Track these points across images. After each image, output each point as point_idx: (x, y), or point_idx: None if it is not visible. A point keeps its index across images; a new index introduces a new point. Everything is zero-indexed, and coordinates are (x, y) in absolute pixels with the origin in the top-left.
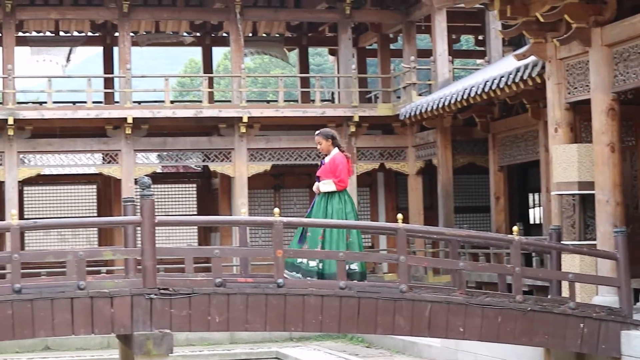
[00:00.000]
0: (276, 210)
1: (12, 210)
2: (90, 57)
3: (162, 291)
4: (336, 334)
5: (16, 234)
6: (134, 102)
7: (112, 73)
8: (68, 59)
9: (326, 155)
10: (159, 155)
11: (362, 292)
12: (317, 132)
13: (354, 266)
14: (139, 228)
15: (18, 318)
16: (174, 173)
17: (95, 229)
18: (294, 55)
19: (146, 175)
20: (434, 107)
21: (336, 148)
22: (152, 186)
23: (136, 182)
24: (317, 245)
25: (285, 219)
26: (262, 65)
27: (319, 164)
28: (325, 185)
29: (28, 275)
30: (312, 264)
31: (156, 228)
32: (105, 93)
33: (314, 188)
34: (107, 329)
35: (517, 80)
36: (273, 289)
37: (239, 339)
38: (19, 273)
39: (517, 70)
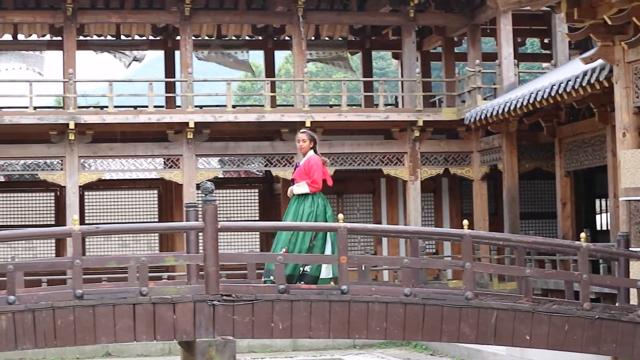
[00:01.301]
0: (340, 215)
1: (74, 215)
2: (151, 60)
3: (224, 297)
4: (400, 342)
5: (78, 240)
6: (196, 106)
7: (174, 77)
8: (134, 60)
9: (303, 156)
10: (220, 160)
11: (427, 299)
12: (303, 130)
13: (307, 268)
14: (201, 233)
15: (80, 324)
16: (235, 178)
17: (157, 234)
18: (356, 59)
19: (208, 180)
20: (499, 112)
21: (312, 151)
22: (214, 191)
23: (198, 187)
24: (285, 245)
25: (349, 225)
26: (325, 68)
27: (295, 166)
28: (298, 187)
29: (89, 281)
30: (307, 267)
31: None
32: (166, 97)
33: (288, 192)
34: (169, 335)
35: (584, 84)
36: (337, 296)
37: (301, 346)
38: (81, 278)
39: (584, 73)
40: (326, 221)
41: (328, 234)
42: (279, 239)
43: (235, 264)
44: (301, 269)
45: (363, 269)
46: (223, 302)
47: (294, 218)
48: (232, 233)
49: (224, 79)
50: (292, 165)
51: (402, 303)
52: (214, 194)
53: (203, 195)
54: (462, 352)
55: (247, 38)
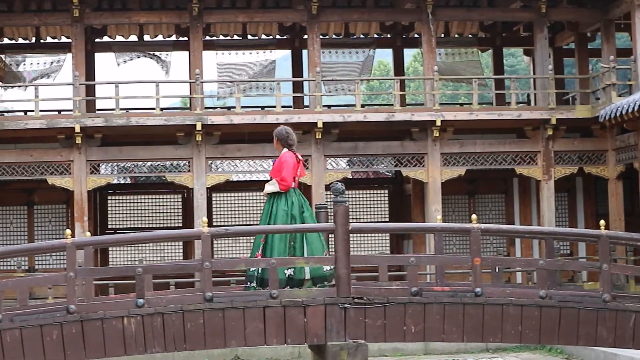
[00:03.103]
0: (474, 216)
1: (203, 217)
2: (277, 60)
3: (356, 300)
4: (534, 345)
5: (207, 242)
6: (324, 106)
7: (301, 76)
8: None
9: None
10: (349, 160)
11: (563, 302)
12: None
13: (290, 272)
14: (331, 235)
15: (209, 327)
16: (364, 179)
17: None
18: (486, 56)
19: (337, 181)
20: (635, 109)
21: (285, 148)
22: (345, 192)
23: (327, 188)
24: (258, 249)
25: (482, 226)
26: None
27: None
28: (269, 185)
29: (218, 284)
30: (252, 268)
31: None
32: (294, 97)
33: (264, 191)
34: (300, 339)
35: None
36: (471, 298)
37: (433, 349)
38: (211, 281)
39: None
40: (303, 221)
41: (305, 233)
42: (255, 243)
43: (363, 266)
44: (286, 272)
45: (497, 270)
46: (355, 305)
47: (267, 218)
48: (362, 235)
49: (353, 78)
50: (423, 166)
51: (537, 306)
52: (345, 195)
53: (334, 196)
54: (599, 355)
55: (375, 36)
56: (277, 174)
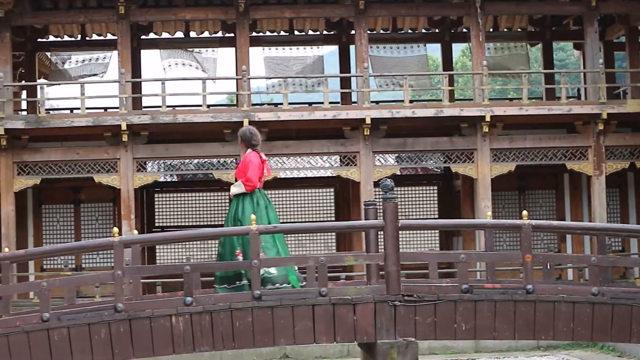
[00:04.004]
0: (525, 213)
1: (252, 215)
2: (324, 55)
3: (406, 298)
4: (586, 343)
5: (255, 239)
6: (372, 102)
7: (349, 72)
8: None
9: None
10: (397, 156)
11: (616, 299)
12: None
13: (273, 270)
14: (381, 232)
15: (258, 325)
16: (412, 175)
17: (334, 233)
18: (535, 51)
19: (386, 178)
20: None
21: (249, 149)
22: (394, 189)
23: (375, 184)
24: (235, 251)
25: (534, 222)
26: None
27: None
28: (234, 187)
29: None
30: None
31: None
32: (341, 93)
33: (230, 192)
34: (350, 337)
35: None
36: (522, 295)
37: (483, 347)
38: (259, 280)
39: None
40: (269, 222)
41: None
42: (230, 244)
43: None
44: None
45: (548, 267)
46: (404, 303)
47: (233, 220)
48: (410, 231)
49: (400, 74)
50: (472, 161)
51: (589, 303)
52: (394, 192)
53: (383, 192)
54: None
55: (423, 31)
56: (242, 174)
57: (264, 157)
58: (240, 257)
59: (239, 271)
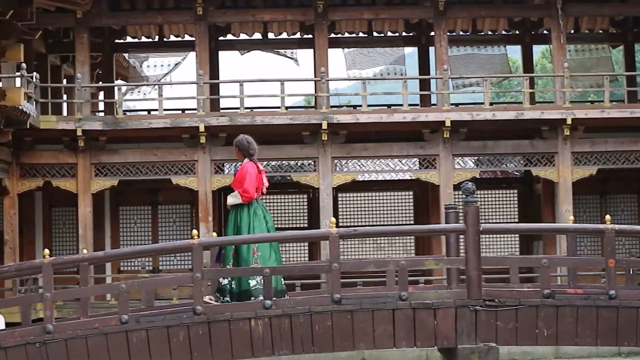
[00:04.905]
0: (608, 217)
1: (329, 218)
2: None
3: (487, 302)
4: None
5: (335, 243)
6: (452, 104)
7: (428, 74)
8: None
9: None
10: (477, 159)
11: None
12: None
13: (256, 282)
14: (461, 236)
15: (338, 329)
16: (492, 179)
17: (412, 237)
18: (617, 53)
19: (467, 181)
20: None
21: (247, 158)
22: (475, 192)
23: (455, 188)
24: (229, 261)
25: (617, 227)
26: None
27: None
28: (231, 197)
29: (344, 286)
30: (224, 281)
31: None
32: (421, 95)
33: (227, 203)
34: (430, 341)
35: None
36: (604, 301)
37: (563, 353)
38: (339, 283)
39: None
40: (268, 231)
41: (271, 244)
42: (226, 255)
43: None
44: (251, 282)
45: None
46: (486, 308)
47: (233, 231)
48: (490, 235)
49: (482, 76)
50: (553, 165)
51: None
52: (475, 195)
53: (464, 196)
54: None
55: (503, 32)
56: (239, 185)
57: (261, 167)
58: None
59: (223, 286)
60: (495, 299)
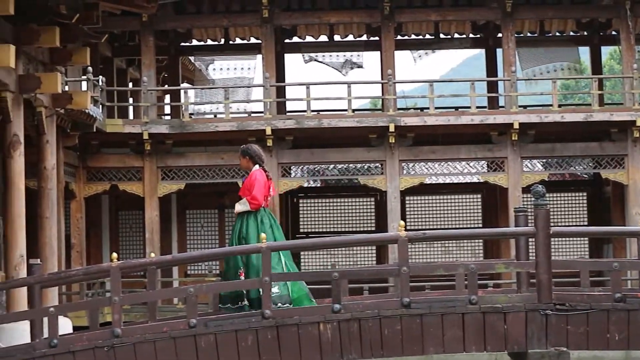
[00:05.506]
0: None
1: (397, 221)
2: (468, 59)
3: (557, 307)
4: None
5: (404, 246)
6: (519, 106)
7: (495, 76)
8: None
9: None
10: (545, 162)
11: None
12: (242, 146)
13: (275, 290)
14: (531, 239)
15: (407, 333)
16: (560, 181)
17: (481, 240)
18: None
19: (537, 184)
20: None
21: (257, 165)
22: (545, 195)
23: (523, 190)
24: (238, 271)
25: None
26: None
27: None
28: (239, 205)
29: (412, 289)
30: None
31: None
32: (488, 97)
33: (235, 210)
34: (500, 346)
35: None
36: None
37: (634, 358)
38: (408, 286)
39: None
40: (275, 240)
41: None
42: (235, 263)
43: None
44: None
45: None
46: (556, 312)
47: (237, 238)
48: (558, 239)
49: (550, 78)
50: (622, 167)
51: None
52: (545, 198)
53: (534, 199)
54: None
55: (571, 34)
56: (247, 192)
57: (270, 175)
58: (242, 278)
59: (240, 292)
60: (566, 303)
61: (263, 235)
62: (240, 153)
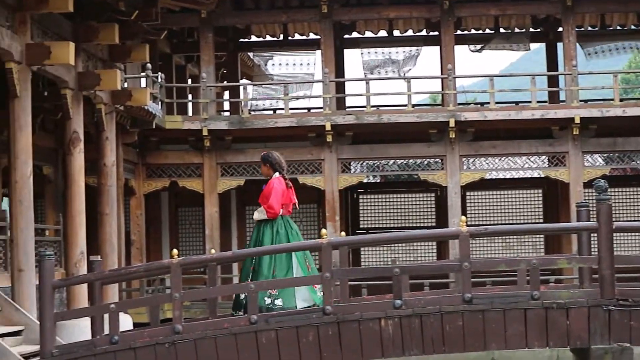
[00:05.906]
0: None
1: (458, 216)
2: (528, 53)
3: (621, 302)
4: None
5: (466, 242)
6: (580, 100)
7: (556, 70)
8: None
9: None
10: (606, 157)
11: None
12: (262, 153)
13: (279, 302)
14: (594, 234)
15: (468, 329)
16: (621, 176)
17: (542, 235)
18: None
19: (599, 178)
20: None
21: (277, 173)
22: (608, 190)
23: (585, 185)
24: (248, 276)
25: None
26: None
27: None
28: (257, 213)
29: (473, 285)
30: (242, 296)
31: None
32: (549, 92)
33: (254, 217)
34: (562, 342)
35: None
36: None
37: None
38: (470, 282)
39: None
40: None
41: (293, 259)
42: (246, 269)
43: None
44: (266, 299)
45: None
46: (619, 307)
47: (254, 247)
48: (620, 234)
49: (610, 71)
50: None
51: None
52: (607, 193)
53: (597, 194)
54: None
55: (632, 27)
56: (265, 200)
57: (290, 183)
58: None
59: (239, 300)
60: (629, 298)
61: (324, 231)
62: (261, 160)
